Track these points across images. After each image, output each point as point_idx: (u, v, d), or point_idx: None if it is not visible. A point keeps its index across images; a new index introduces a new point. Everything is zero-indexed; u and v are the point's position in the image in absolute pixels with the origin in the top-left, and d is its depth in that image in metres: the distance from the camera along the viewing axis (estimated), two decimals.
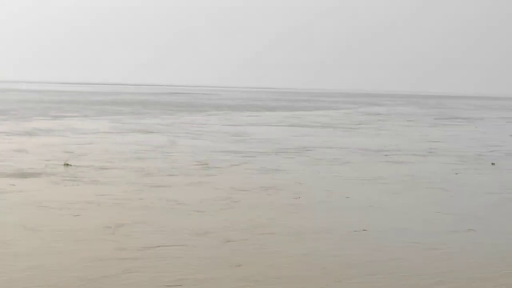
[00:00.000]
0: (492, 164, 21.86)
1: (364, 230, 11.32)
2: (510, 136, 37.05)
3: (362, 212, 12.91)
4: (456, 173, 19.25)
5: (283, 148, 25.25)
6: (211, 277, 8.37)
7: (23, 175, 16.21)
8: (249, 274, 8.54)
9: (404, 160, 22.38)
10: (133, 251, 9.45)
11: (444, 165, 21.31)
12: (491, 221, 12.51)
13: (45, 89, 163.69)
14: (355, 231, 11.23)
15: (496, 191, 16.18)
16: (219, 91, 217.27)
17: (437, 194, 15.48)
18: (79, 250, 9.45)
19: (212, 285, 7.97)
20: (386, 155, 23.62)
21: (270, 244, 10.15)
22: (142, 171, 17.41)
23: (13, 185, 14.71)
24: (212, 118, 47.73)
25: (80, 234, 10.36)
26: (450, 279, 8.64)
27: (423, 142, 30.39)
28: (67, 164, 18.05)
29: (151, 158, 20.61)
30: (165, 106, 71.17)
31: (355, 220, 12.17)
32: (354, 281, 8.37)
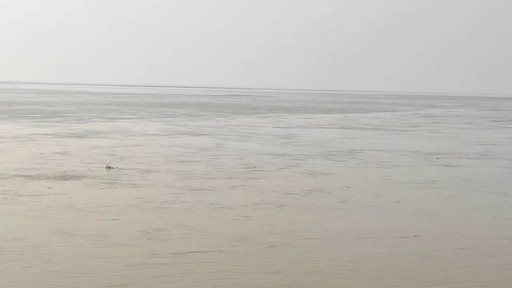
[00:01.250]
0: None
1: (415, 236, 10.72)
2: None
3: (413, 217, 12.29)
4: None
5: (332, 151, 24.65)
6: (245, 285, 7.87)
7: (63, 177, 15.90)
8: (287, 281, 8.03)
9: (457, 163, 21.61)
10: (167, 257, 9.01)
11: (500, 168, 20.49)
12: None
13: (104, 92, 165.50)
14: (406, 237, 10.63)
15: None
16: (280, 93, 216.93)
17: (493, 198, 14.76)
18: (111, 255, 9.06)
19: None
20: (437, 158, 22.85)
21: (312, 250, 9.63)
22: (186, 174, 17.00)
23: (49, 188, 14.39)
24: (265, 120, 47.33)
25: (115, 239, 9.96)
26: None
27: (478, 144, 29.49)
28: (110, 167, 17.73)
29: (196, 161, 20.21)
30: (222, 108, 71.05)
31: (405, 225, 11.57)
32: None
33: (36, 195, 13.42)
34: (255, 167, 18.87)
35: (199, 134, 31.58)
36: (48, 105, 64.19)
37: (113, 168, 17.69)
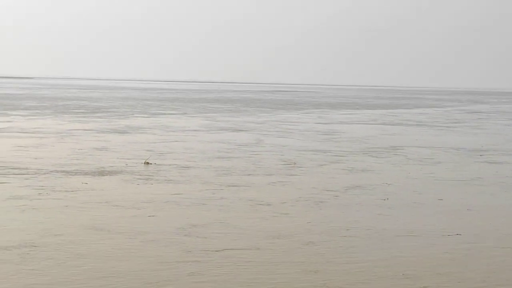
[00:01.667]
0: None
1: (457, 234, 10.43)
2: None
3: (456, 215, 11.99)
4: None
5: (372, 147, 24.32)
6: (282, 283, 7.67)
7: (100, 173, 15.84)
8: (324, 280, 7.82)
9: (502, 160, 21.14)
10: (202, 254, 8.85)
11: None
12: None
13: (150, 87, 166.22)
14: (449, 235, 10.34)
15: None
16: (326, 89, 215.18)
17: None
18: (147, 252, 8.94)
19: None
20: (481, 155, 22.38)
21: (351, 248, 9.40)
22: (224, 170, 16.84)
23: (86, 183, 14.32)
24: (307, 116, 47.02)
25: (151, 235, 9.85)
26: None
27: None
28: (148, 163, 17.64)
29: (235, 157, 20.04)
30: (265, 104, 70.76)
31: (448, 223, 11.28)
32: None
33: (73, 191, 13.36)
34: (295, 164, 18.65)
35: (240, 130, 31.42)
36: (92, 101, 64.64)
37: (151, 164, 17.60)
